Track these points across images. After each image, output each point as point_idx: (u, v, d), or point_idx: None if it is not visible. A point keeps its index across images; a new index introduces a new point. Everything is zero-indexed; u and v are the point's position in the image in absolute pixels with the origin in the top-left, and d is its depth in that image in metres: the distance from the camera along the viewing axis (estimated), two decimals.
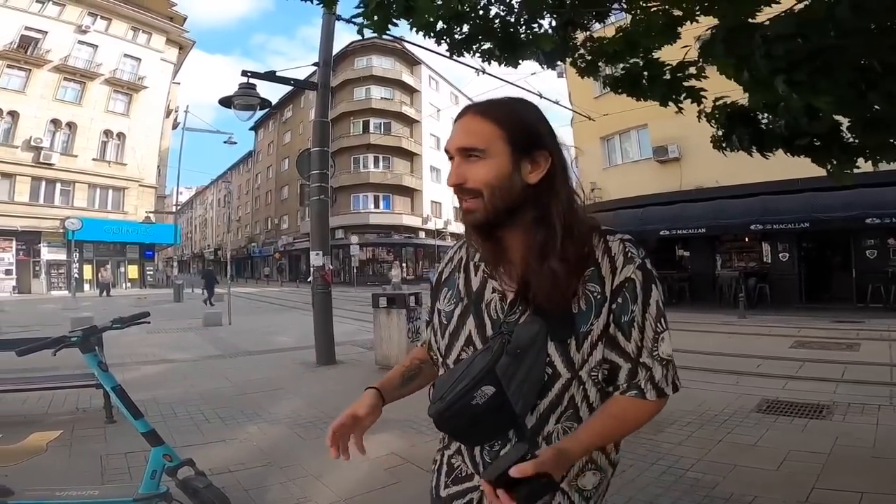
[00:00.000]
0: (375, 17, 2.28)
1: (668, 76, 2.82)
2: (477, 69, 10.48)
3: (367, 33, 2.53)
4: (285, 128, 44.10)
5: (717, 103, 3.14)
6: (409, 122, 37.20)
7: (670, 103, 2.88)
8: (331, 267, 7.45)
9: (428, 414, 0.88)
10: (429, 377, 1.10)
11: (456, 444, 0.96)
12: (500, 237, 0.89)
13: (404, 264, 36.03)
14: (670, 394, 0.86)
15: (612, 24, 3.33)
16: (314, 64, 7.71)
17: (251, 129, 49.78)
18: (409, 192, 36.78)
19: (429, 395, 0.92)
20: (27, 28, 24.97)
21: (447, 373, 0.93)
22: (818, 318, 10.59)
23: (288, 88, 37.63)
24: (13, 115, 24.40)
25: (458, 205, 0.91)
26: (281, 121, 44.48)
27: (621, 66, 3.06)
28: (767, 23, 2.11)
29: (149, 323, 2.50)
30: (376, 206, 35.33)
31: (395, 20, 2.37)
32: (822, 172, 3.52)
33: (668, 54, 3.07)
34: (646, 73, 2.89)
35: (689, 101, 2.86)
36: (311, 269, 7.31)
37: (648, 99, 2.98)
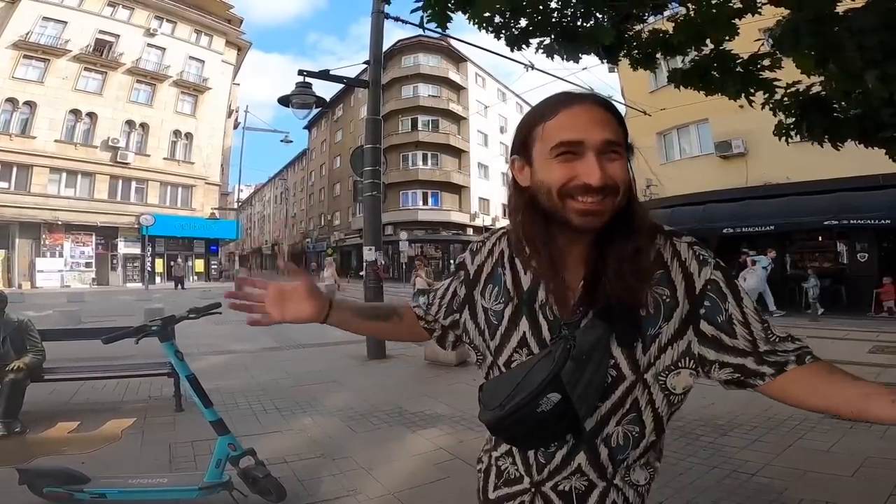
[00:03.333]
0: (435, 8, 2.29)
1: (740, 69, 2.65)
2: (526, 65, 10.44)
3: (412, 30, 2.56)
4: (336, 126, 45.26)
5: (790, 90, 2.94)
6: (457, 119, 37.22)
7: (742, 96, 2.71)
8: (383, 262, 7.59)
9: (480, 419, 0.87)
10: (405, 330, 1.10)
11: (505, 447, 0.94)
12: (558, 242, 0.84)
13: (451, 260, 36.21)
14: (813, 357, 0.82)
15: (666, 17, 3.19)
16: (364, 62, 7.86)
17: (305, 127, 51.51)
18: (457, 189, 36.85)
19: (479, 399, 0.90)
20: (101, 32, 26.73)
21: (499, 378, 0.90)
22: None
23: (339, 88, 38.67)
24: (92, 116, 26.25)
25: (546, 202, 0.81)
26: (332, 120, 45.69)
27: (689, 58, 2.91)
28: (850, 14, 1.96)
29: (220, 313, 2.63)
30: (425, 202, 35.65)
31: (452, 12, 2.37)
32: None
33: (734, 46, 2.92)
34: (716, 66, 2.73)
35: (761, 93, 2.69)
36: (364, 264, 7.47)
37: (720, 92, 2.83)
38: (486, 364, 0.97)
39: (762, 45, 2.69)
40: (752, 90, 2.70)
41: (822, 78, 2.90)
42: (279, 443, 3.63)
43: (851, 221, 11.44)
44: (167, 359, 4.33)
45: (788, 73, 2.80)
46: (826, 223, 11.77)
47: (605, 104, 0.81)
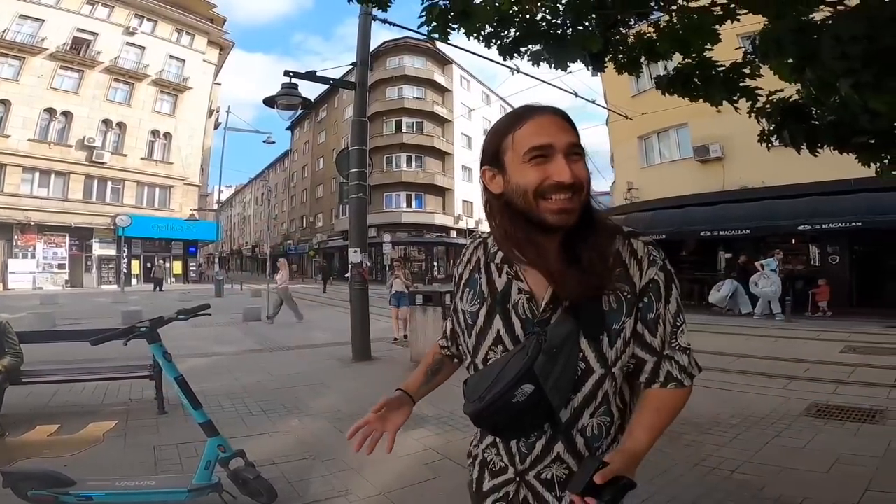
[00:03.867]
0: (435, 24, 2.34)
1: (722, 76, 2.74)
2: (512, 69, 10.52)
3: (398, 31, 2.63)
4: (320, 128, 44.93)
5: (772, 98, 3.05)
6: (441, 121, 37.28)
7: (724, 103, 2.81)
8: (368, 264, 7.57)
9: (464, 412, 0.94)
10: (449, 371, 1.21)
11: (490, 438, 1.01)
12: (539, 241, 0.90)
13: (435, 263, 36.20)
14: (697, 374, 0.94)
15: (650, 22, 3.28)
16: (351, 63, 7.85)
17: (287, 128, 51.03)
18: (441, 192, 36.90)
19: (463, 393, 0.96)
20: (79, 30, 26.07)
21: (480, 373, 0.97)
22: (870, 322, 10.10)
23: (323, 89, 38.41)
24: (67, 115, 25.56)
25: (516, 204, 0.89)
26: (316, 121, 45.35)
27: (673, 65, 3.00)
28: (829, 22, 2.04)
29: (210, 314, 2.61)
30: (409, 204, 35.59)
31: (452, 26, 2.43)
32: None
33: (715, 53, 3.01)
34: (698, 73, 2.82)
35: (744, 100, 2.78)
36: (349, 266, 7.44)
37: (702, 99, 2.92)
38: (467, 363, 1.05)
39: (743, 52, 2.79)
40: (735, 98, 2.79)
41: (799, 86, 3.01)
42: (267, 445, 3.60)
43: (824, 226, 11.81)
44: (147, 361, 4.33)
45: (772, 82, 2.89)
46: (800, 227, 12.13)
47: (563, 114, 0.91)
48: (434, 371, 1.20)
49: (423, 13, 2.43)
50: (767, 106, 3.10)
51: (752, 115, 3.12)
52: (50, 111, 24.97)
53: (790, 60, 2.37)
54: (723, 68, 2.79)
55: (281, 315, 11.86)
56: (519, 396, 0.85)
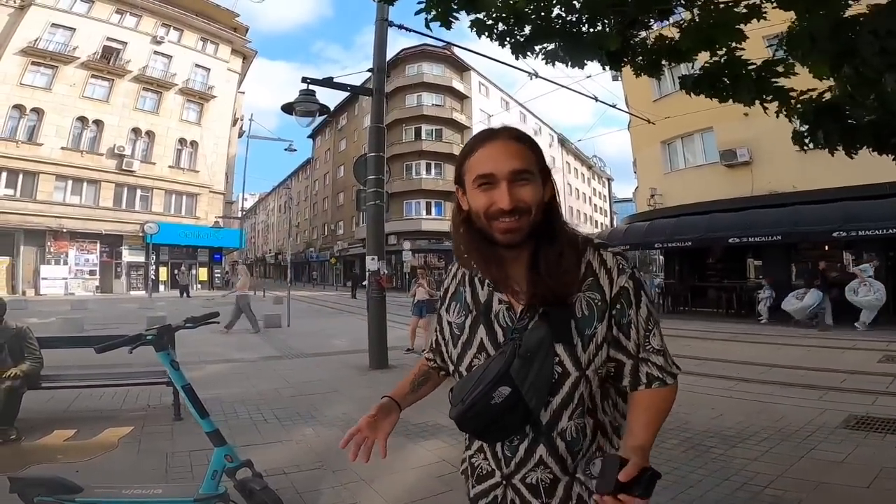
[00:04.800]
0: (439, 10, 2.26)
1: (753, 75, 2.60)
2: (530, 73, 10.42)
3: (416, 39, 2.56)
4: (340, 135, 45.50)
5: (803, 97, 2.89)
6: (461, 128, 37.33)
7: (756, 103, 2.66)
8: (386, 272, 7.53)
9: (450, 416, 0.98)
10: (435, 382, 1.27)
11: (477, 444, 1.06)
12: (502, 256, 0.96)
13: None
14: (678, 373, 1.00)
15: (671, 23, 3.16)
16: (368, 70, 7.88)
17: (309, 136, 51.84)
18: None
19: (449, 399, 1.01)
20: (109, 39, 26.97)
21: (464, 378, 1.02)
22: None
23: (343, 96, 38.94)
24: (98, 123, 26.40)
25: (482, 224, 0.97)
26: (336, 129, 45.94)
27: (699, 65, 2.86)
28: (863, 18, 1.91)
29: (218, 322, 2.58)
30: (428, 212, 35.64)
31: (455, 13, 2.35)
32: None
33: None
34: (727, 72, 2.68)
35: (775, 101, 2.64)
36: (367, 274, 7.41)
37: (731, 100, 2.77)
38: (452, 371, 1.10)
39: (774, 50, 2.65)
40: (766, 98, 2.65)
41: (833, 84, 2.85)
42: (279, 453, 3.56)
43: (860, 233, 11.31)
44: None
45: (798, 80, 2.74)
46: (834, 234, 11.63)
47: (517, 137, 0.97)
48: (420, 382, 1.25)
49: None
50: (799, 105, 2.94)
51: (784, 115, 2.97)
52: (82, 120, 25.85)
53: (826, 57, 2.22)
54: (753, 67, 2.64)
55: (298, 323, 11.91)
56: (497, 398, 0.90)
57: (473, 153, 0.97)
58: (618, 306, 0.96)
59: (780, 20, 2.68)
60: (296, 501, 2.79)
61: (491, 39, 2.95)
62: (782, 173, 13.01)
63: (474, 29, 2.89)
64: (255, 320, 11.04)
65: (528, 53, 3.01)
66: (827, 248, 13.43)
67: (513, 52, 2.99)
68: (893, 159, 2.80)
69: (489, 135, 0.98)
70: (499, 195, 0.92)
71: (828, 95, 2.89)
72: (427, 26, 2.45)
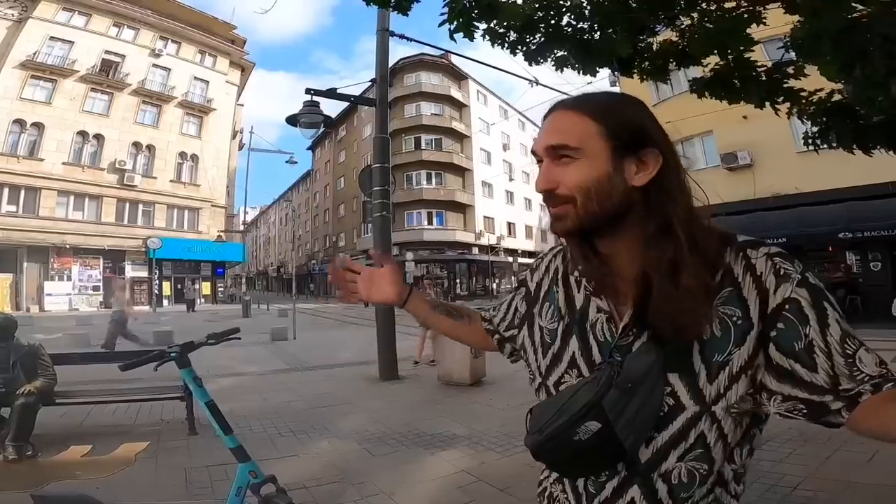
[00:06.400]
0: (459, 21, 2.30)
1: (764, 77, 2.62)
2: (531, 80, 10.48)
3: (415, 48, 2.59)
4: (340, 147, 45.68)
5: (813, 98, 2.91)
6: (460, 137, 37.51)
7: (766, 105, 2.68)
8: None
9: (524, 444, 0.83)
10: (470, 334, 1.13)
11: (556, 473, 0.89)
12: (603, 251, 0.79)
13: (458, 280, 36.02)
14: None
15: (677, 28, 3.19)
16: (371, 80, 7.94)
17: (308, 148, 52.05)
18: (462, 208, 36.93)
19: (525, 422, 0.86)
20: (107, 52, 27.07)
21: (547, 401, 0.85)
22: None
23: (342, 108, 39.13)
24: (99, 138, 26.40)
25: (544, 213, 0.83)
26: (336, 140, 46.12)
27: (709, 68, 2.89)
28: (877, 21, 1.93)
29: (239, 338, 2.58)
30: (430, 222, 35.69)
31: (476, 23, 2.38)
32: None
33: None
34: (737, 74, 2.71)
35: (786, 103, 2.66)
36: None
37: (742, 101, 2.80)
38: (535, 384, 0.93)
39: (783, 52, 2.67)
40: (777, 99, 2.67)
41: (841, 85, 2.87)
42: (297, 467, 3.53)
43: (865, 234, 11.32)
44: (178, 382, 4.33)
45: (805, 82, 2.76)
46: (840, 235, 11.65)
47: (573, 105, 0.78)
48: (451, 312, 1.14)
49: (447, 9, 2.37)
50: (809, 107, 2.96)
51: (795, 116, 2.98)
52: (83, 134, 25.88)
53: (838, 58, 2.25)
54: (764, 69, 2.66)
55: (304, 336, 11.86)
56: (581, 434, 0.73)
57: None
58: (780, 325, 0.71)
59: (776, 23, 2.71)
60: None
61: (503, 48, 2.98)
62: (784, 175, 13.02)
63: (487, 38, 2.93)
64: (113, 340, 9.68)
65: (541, 60, 3.04)
66: (831, 248, 13.44)
67: (526, 59, 3.02)
68: None
69: (553, 107, 0.82)
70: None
71: (837, 97, 2.91)
72: (451, 37, 2.48)
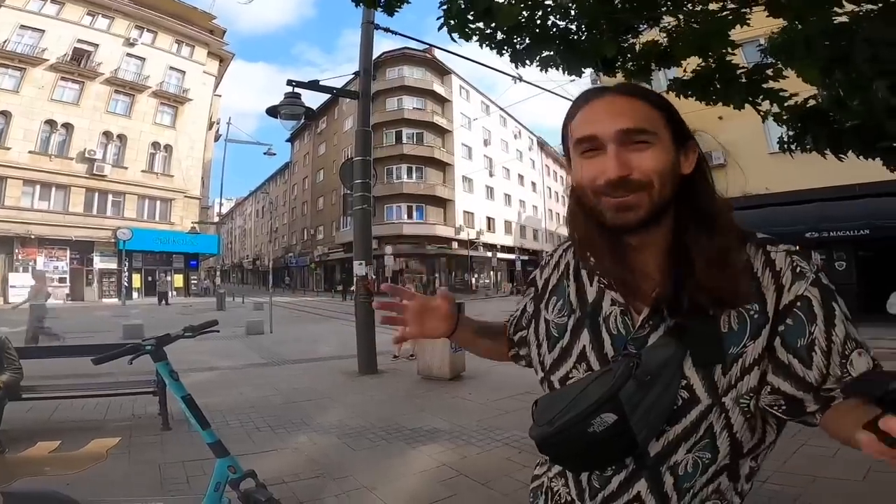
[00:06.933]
0: (454, 22, 2.29)
1: (743, 79, 2.68)
2: (514, 77, 10.52)
3: (398, 41, 2.58)
4: (320, 139, 45.10)
5: (788, 104, 2.99)
6: (441, 132, 37.43)
7: (746, 106, 2.74)
8: (374, 276, 7.48)
9: (530, 436, 0.82)
10: (498, 350, 1.07)
11: (559, 467, 0.89)
12: (626, 243, 0.77)
13: (437, 274, 36.05)
14: None
15: (660, 28, 3.24)
16: (354, 73, 7.85)
17: (288, 140, 51.24)
18: (442, 203, 36.90)
19: (532, 414, 0.84)
20: (79, 41, 26.18)
21: (555, 393, 0.85)
22: (881, 329, 9.98)
23: (322, 100, 38.58)
24: (68, 127, 25.56)
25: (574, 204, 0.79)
26: (316, 132, 45.52)
27: (691, 69, 2.94)
28: (863, 25, 1.99)
29: (218, 331, 2.52)
30: (409, 216, 35.56)
31: (471, 24, 2.38)
32: (882, 177, 3.32)
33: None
34: (718, 76, 2.76)
35: (767, 102, 2.73)
36: (354, 279, 7.35)
37: (723, 102, 2.86)
38: (539, 378, 0.92)
39: (762, 55, 2.74)
40: (758, 100, 2.74)
41: (817, 90, 2.95)
42: (276, 462, 3.49)
43: (831, 234, 11.74)
44: (150, 376, 4.23)
45: (783, 84, 2.83)
46: (807, 235, 12.05)
47: (629, 91, 0.77)
48: (490, 333, 1.07)
49: (442, 10, 2.37)
50: (784, 113, 3.04)
51: (771, 118, 3.06)
52: (50, 123, 25.01)
53: (818, 62, 2.31)
54: (744, 70, 2.72)
55: (281, 329, 11.71)
56: (597, 426, 0.73)
57: (576, 113, 0.78)
58: (789, 321, 0.72)
59: (753, 25, 2.78)
60: None
61: (490, 48, 2.98)
62: (755, 176, 13.35)
63: (476, 37, 2.92)
64: (32, 335, 9.26)
65: (527, 62, 3.05)
66: (799, 248, 13.90)
67: (512, 61, 3.03)
68: (883, 163, 2.92)
69: (593, 92, 0.79)
70: (605, 163, 0.73)
71: (812, 102, 3.00)
72: (451, 38, 2.48)
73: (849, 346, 0.71)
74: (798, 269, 0.74)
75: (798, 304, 0.72)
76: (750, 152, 13.50)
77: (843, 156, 2.80)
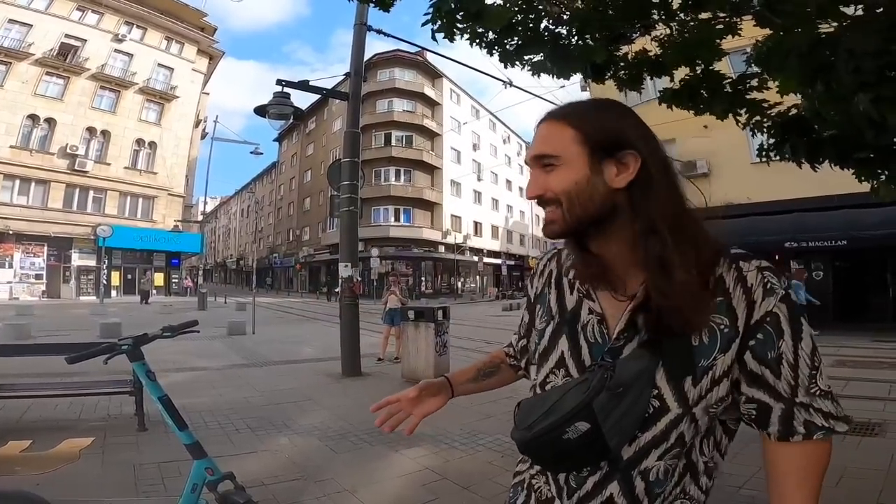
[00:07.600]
0: (442, 22, 2.28)
1: (728, 89, 2.72)
2: (505, 82, 10.58)
3: (390, 43, 2.56)
4: (308, 140, 44.79)
5: (770, 112, 3.04)
6: (431, 135, 37.43)
7: (728, 116, 2.79)
8: (359, 278, 7.43)
9: (511, 437, 0.85)
10: (505, 378, 1.14)
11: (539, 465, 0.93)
12: (596, 252, 0.81)
13: (423, 278, 35.98)
14: (849, 418, 0.82)
15: (651, 37, 3.28)
16: (345, 74, 7.82)
17: (275, 139, 50.79)
18: (430, 206, 36.87)
19: (514, 416, 0.87)
20: (67, 36, 25.74)
21: (535, 398, 0.88)
22: (856, 337, 10.22)
23: (311, 100, 38.30)
24: (50, 122, 25.08)
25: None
26: (304, 133, 45.20)
27: (679, 78, 2.98)
28: (845, 36, 2.03)
29: (198, 332, 2.47)
30: (397, 219, 35.46)
31: (458, 26, 2.37)
32: (860, 189, 3.40)
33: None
34: (705, 86, 2.80)
35: (745, 113, 2.77)
36: (339, 281, 7.29)
37: (707, 112, 2.90)
38: (521, 369, 1.02)
39: (747, 65, 2.79)
40: (739, 110, 2.78)
41: (799, 100, 3.01)
42: (255, 464, 3.43)
43: (809, 244, 11.98)
44: (127, 376, 4.13)
45: (766, 94, 2.88)
46: (786, 244, 12.29)
47: (550, 116, 0.83)
48: (488, 373, 1.13)
49: (431, 10, 2.35)
50: (766, 121, 3.09)
51: (751, 128, 3.11)
52: (33, 118, 24.54)
53: (798, 73, 2.36)
54: (729, 80, 2.77)
55: (264, 330, 11.57)
56: (571, 433, 0.76)
57: None
58: (759, 336, 0.76)
59: (745, 35, 2.82)
60: None
61: (481, 48, 2.98)
62: (737, 185, 13.60)
63: (466, 37, 2.92)
64: None
65: (517, 63, 3.05)
66: (777, 257, 14.18)
67: (501, 61, 3.03)
68: (854, 174, 2.99)
69: (542, 117, 0.85)
70: None
71: (794, 111, 3.06)
72: (433, 38, 2.46)
73: (816, 360, 0.78)
74: (769, 285, 0.77)
75: (768, 319, 0.76)
76: (733, 162, 13.76)
77: (817, 165, 2.85)
